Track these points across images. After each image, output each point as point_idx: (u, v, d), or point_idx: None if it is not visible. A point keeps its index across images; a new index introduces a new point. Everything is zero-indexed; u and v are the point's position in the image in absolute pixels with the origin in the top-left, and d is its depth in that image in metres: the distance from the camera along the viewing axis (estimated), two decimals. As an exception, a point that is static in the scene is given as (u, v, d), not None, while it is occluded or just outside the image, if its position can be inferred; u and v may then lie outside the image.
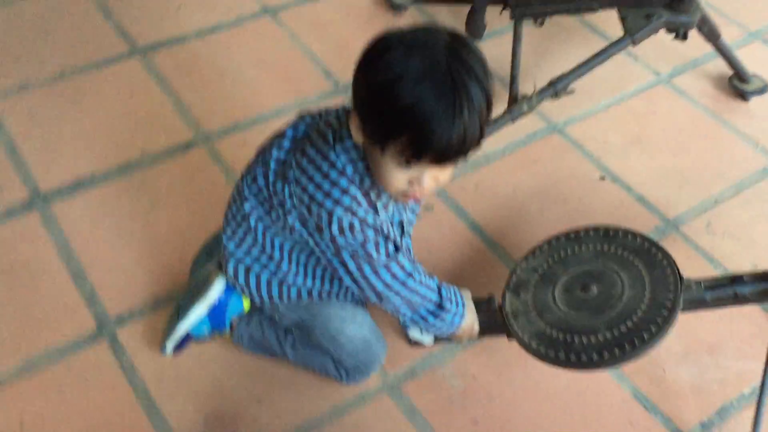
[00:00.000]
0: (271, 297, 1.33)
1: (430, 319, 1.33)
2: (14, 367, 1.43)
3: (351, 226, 1.13)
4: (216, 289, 1.39)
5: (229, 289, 1.40)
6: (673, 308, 1.29)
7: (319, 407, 1.41)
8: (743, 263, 1.66)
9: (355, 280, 1.23)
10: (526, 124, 1.98)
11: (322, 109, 1.23)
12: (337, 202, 1.12)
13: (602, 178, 1.87)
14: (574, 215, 1.78)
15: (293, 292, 1.31)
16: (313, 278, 1.31)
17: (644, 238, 1.42)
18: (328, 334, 1.35)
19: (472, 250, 1.70)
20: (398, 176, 1.07)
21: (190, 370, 1.44)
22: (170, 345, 1.40)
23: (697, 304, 1.33)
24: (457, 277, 1.63)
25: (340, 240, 1.15)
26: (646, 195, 1.83)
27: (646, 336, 1.27)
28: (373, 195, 1.14)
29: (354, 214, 1.12)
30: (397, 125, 1.00)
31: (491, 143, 1.91)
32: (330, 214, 1.12)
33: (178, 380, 1.43)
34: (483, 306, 1.43)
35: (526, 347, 1.35)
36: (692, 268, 1.60)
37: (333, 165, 1.12)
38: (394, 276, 1.23)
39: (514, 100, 1.86)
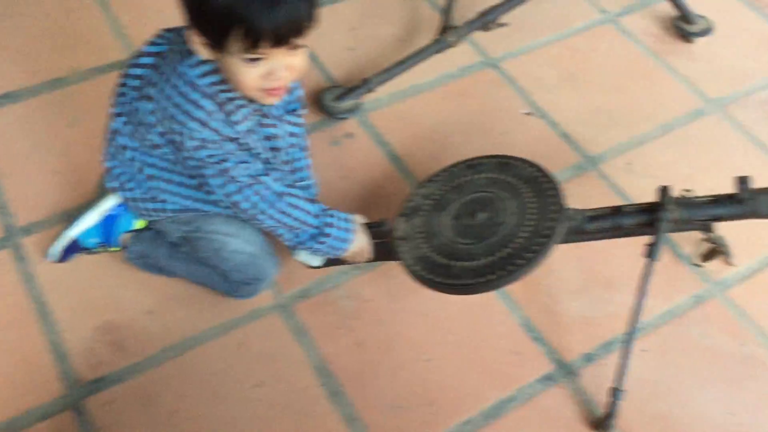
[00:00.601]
0: (150, 212, 1.34)
1: (310, 243, 1.34)
2: None
3: (205, 141, 1.14)
4: (108, 203, 1.41)
5: (123, 208, 1.41)
6: (550, 237, 1.29)
7: (207, 322, 1.44)
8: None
9: (224, 197, 1.24)
10: (461, 56, 1.96)
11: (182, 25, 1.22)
12: (190, 116, 1.12)
13: (529, 114, 1.85)
14: (495, 149, 1.76)
15: (169, 207, 1.32)
16: (191, 198, 1.31)
17: (537, 168, 1.41)
18: (212, 249, 1.37)
19: (385, 178, 1.70)
20: (251, 74, 1.09)
21: (86, 281, 1.47)
22: (54, 249, 1.43)
23: (579, 234, 1.34)
24: (366, 204, 1.64)
25: (200, 155, 1.16)
26: (571, 132, 1.82)
27: (520, 262, 1.28)
28: (230, 107, 1.15)
29: (207, 126, 1.13)
30: (225, 24, 1.02)
31: (421, 74, 1.89)
32: (186, 128, 1.13)
33: (74, 290, 1.46)
34: (374, 230, 1.43)
35: (408, 270, 1.36)
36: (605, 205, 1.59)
37: (185, 80, 1.13)
38: (260, 196, 1.24)
39: (444, 30, 1.84)
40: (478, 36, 1.99)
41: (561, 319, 1.49)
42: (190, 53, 1.13)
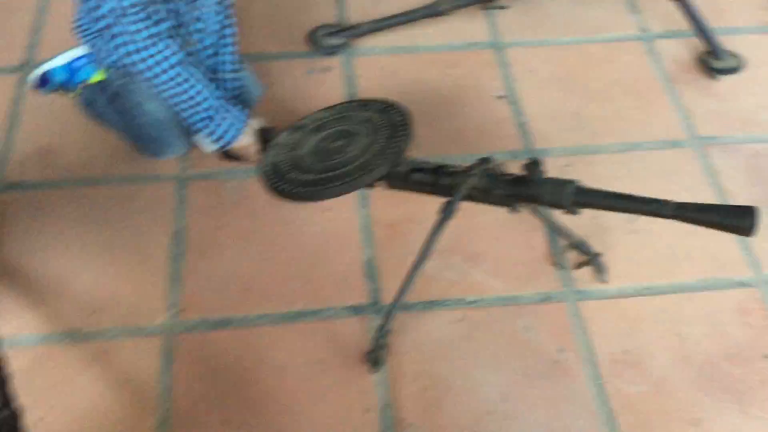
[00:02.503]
0: (100, 60, 1.62)
1: (202, 124, 1.55)
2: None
3: None
4: (78, 50, 1.72)
5: (89, 58, 1.72)
6: (369, 172, 1.39)
7: (114, 167, 1.71)
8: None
9: (125, 55, 1.48)
10: (474, 32, 2.05)
11: None
12: None
13: (501, 97, 1.90)
14: (447, 117, 1.85)
15: (106, 60, 1.59)
16: (114, 55, 1.58)
17: (406, 118, 1.50)
18: (132, 104, 1.62)
19: (333, 111, 1.85)
20: None
21: (43, 118, 1.79)
22: (31, 77, 1.76)
23: (403, 181, 1.42)
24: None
25: (108, 4, 1.40)
26: (530, 123, 1.84)
27: (334, 185, 1.39)
28: None
29: None
30: None
31: (426, 38, 2.01)
32: None
33: (43, 117, 1.79)
34: (264, 134, 1.62)
35: (259, 168, 1.52)
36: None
37: None
38: (156, 60, 1.46)
39: (445, -4, 1.94)
40: (504, 18, 2.06)
41: (406, 269, 1.56)
42: None
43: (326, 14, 2.07)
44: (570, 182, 1.23)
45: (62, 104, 1.81)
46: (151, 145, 1.67)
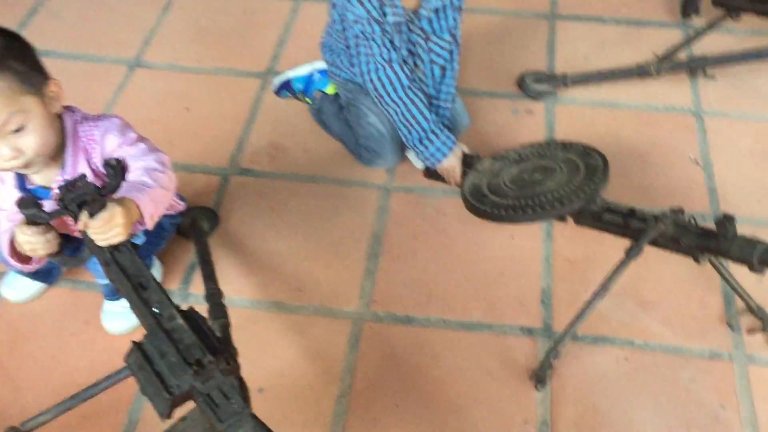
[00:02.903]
0: (334, 76, 1.87)
1: (415, 143, 1.75)
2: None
3: (359, 17, 1.61)
4: (317, 64, 1.99)
5: (325, 73, 1.97)
6: (563, 205, 1.51)
7: (330, 169, 1.93)
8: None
9: (361, 73, 1.71)
10: (675, 96, 2.14)
11: None
12: None
13: (693, 161, 1.97)
14: (638, 171, 1.94)
15: (342, 75, 1.83)
16: (350, 72, 1.81)
17: (605, 163, 1.61)
18: (357, 115, 1.85)
19: (530, 150, 1.99)
20: None
21: (275, 119, 2.06)
22: (275, 81, 2.04)
23: (594, 219, 1.53)
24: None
25: (355, 30, 1.64)
26: (720, 189, 1.89)
27: (528, 211, 1.53)
28: (387, 1, 1.60)
29: (363, 4, 1.60)
30: None
31: (626, 95, 2.12)
32: (349, 3, 1.61)
33: (277, 118, 2.06)
34: (467, 159, 1.79)
35: (463, 189, 1.69)
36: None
37: None
38: (389, 80, 1.68)
39: (656, 60, 2.04)
40: (709, 88, 2.13)
41: (579, 303, 1.66)
42: None
43: (537, 62, 2.22)
44: (761, 242, 1.30)
45: (295, 108, 2.07)
46: (367, 155, 1.88)
